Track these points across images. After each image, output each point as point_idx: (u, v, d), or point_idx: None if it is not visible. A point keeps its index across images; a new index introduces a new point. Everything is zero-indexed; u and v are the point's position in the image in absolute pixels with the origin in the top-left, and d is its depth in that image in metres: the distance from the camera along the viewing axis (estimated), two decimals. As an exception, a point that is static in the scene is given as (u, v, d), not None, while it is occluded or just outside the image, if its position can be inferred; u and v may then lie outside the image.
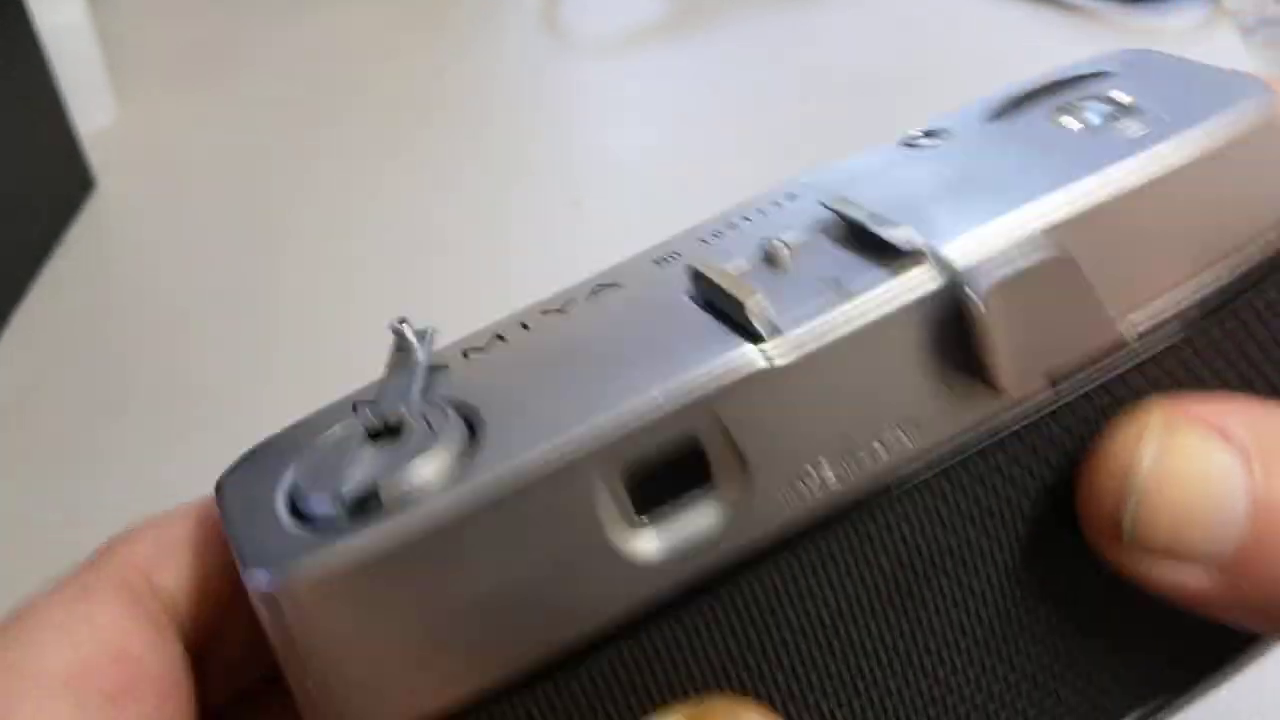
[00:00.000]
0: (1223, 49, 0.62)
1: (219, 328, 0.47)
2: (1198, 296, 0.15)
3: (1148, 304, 0.15)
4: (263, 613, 0.13)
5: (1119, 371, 0.15)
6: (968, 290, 0.13)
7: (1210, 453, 0.14)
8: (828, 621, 0.14)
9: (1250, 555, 0.14)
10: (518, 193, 0.53)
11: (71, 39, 0.55)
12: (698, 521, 0.13)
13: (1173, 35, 0.63)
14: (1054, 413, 0.14)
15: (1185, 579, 0.14)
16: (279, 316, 0.46)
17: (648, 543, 0.13)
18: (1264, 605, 0.14)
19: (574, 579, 0.13)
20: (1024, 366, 0.14)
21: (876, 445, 0.14)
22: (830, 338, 0.13)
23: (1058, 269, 0.14)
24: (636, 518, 0.13)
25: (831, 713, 0.14)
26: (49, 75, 0.50)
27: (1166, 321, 0.15)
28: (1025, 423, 0.14)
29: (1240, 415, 0.14)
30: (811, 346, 0.13)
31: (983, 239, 0.14)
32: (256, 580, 0.13)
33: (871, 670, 0.14)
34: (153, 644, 0.15)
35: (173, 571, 0.16)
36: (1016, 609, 0.15)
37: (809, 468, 0.14)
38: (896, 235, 0.14)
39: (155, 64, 0.65)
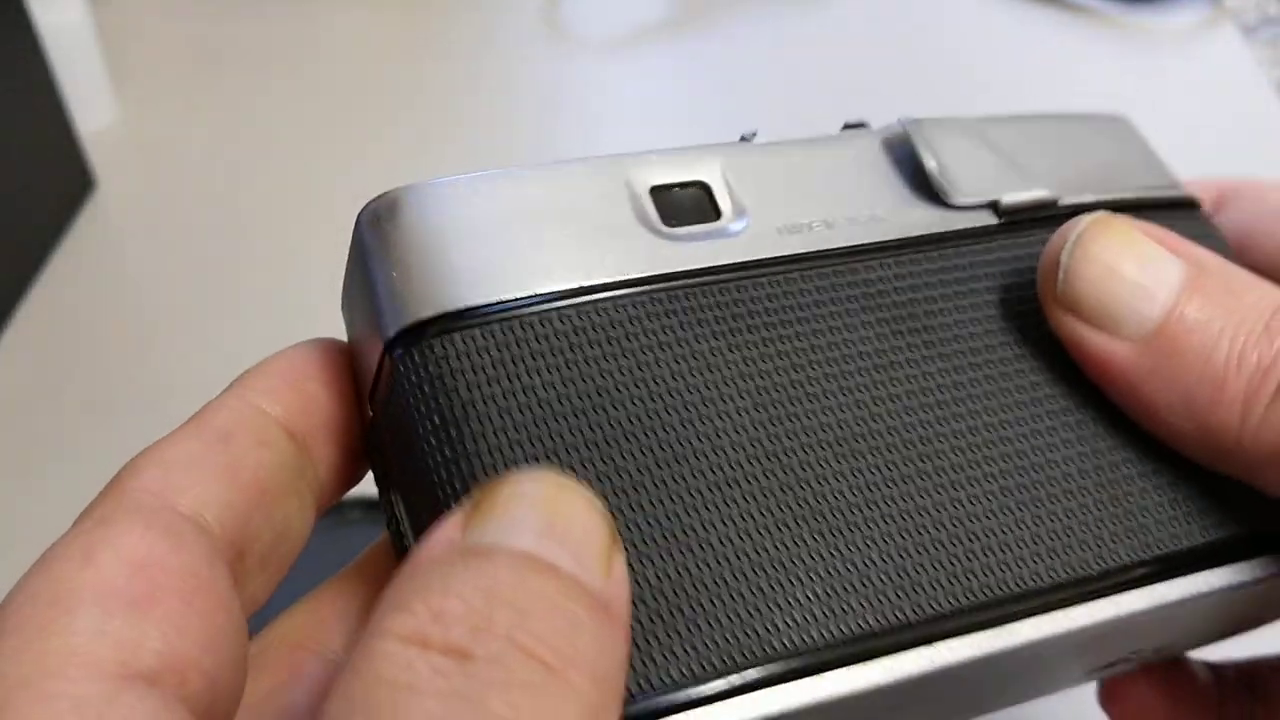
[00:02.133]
0: (1223, 49, 0.62)
1: (219, 328, 0.46)
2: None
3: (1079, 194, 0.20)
4: None
5: (1049, 214, 0.20)
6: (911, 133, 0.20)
7: (1136, 238, 0.17)
8: (803, 337, 0.17)
9: (1167, 335, 0.17)
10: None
11: (71, 39, 0.55)
12: (705, 234, 0.18)
13: (1173, 35, 0.63)
14: (998, 229, 0.20)
15: (1110, 348, 0.17)
16: (279, 316, 0.46)
17: (667, 229, 0.18)
18: (1180, 386, 0.16)
19: (610, 242, 0.17)
20: (969, 192, 0.20)
21: (849, 222, 0.19)
22: (816, 147, 0.20)
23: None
24: (661, 222, 0.18)
25: (797, 410, 0.17)
26: (49, 75, 0.50)
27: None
28: (974, 226, 0.20)
29: (1168, 232, 0.18)
30: (799, 151, 0.20)
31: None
32: None
33: (852, 379, 0.17)
34: (172, 550, 0.15)
35: (188, 489, 0.16)
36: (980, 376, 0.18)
37: (797, 223, 0.18)
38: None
39: (155, 64, 0.65)
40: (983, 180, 0.20)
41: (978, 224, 0.20)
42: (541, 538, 0.13)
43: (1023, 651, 0.16)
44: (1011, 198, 0.20)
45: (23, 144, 0.49)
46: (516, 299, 0.16)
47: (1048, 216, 0.20)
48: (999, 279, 0.19)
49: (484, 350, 0.16)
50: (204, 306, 0.48)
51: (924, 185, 0.20)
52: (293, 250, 0.50)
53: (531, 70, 0.64)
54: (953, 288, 0.19)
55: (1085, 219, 0.18)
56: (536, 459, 0.15)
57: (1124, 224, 0.18)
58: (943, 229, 0.19)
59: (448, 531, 0.14)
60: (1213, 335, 0.17)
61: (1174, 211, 0.21)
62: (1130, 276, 0.17)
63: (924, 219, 0.19)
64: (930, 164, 0.20)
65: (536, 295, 0.16)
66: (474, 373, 0.16)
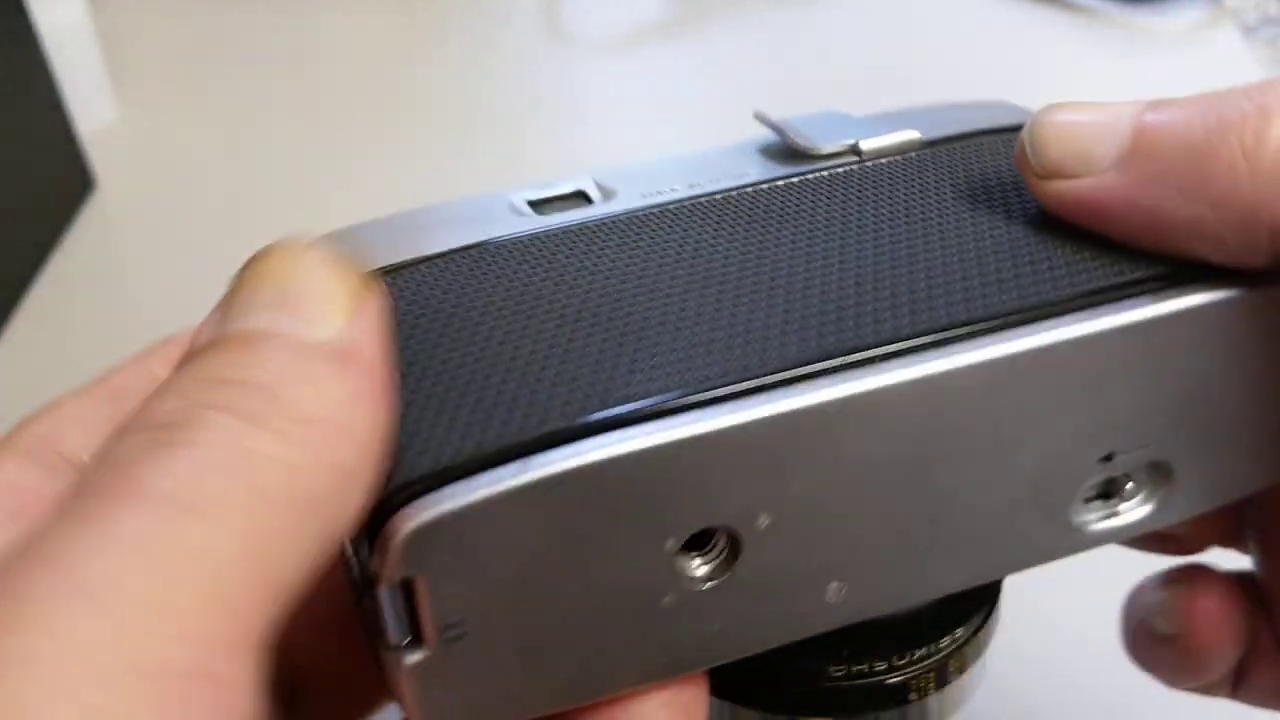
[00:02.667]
0: (1223, 49, 0.62)
1: (219, 328, 0.46)
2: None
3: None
4: None
5: (904, 155, 0.21)
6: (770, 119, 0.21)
7: (1085, 102, 0.18)
8: (657, 236, 0.19)
9: (1143, 139, 0.17)
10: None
11: (71, 39, 0.55)
12: (573, 209, 0.20)
13: (1173, 35, 0.63)
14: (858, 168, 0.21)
15: (1098, 184, 0.17)
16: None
17: (539, 214, 0.20)
18: (1175, 174, 0.17)
19: (486, 225, 0.19)
20: (828, 142, 0.21)
21: (713, 182, 0.20)
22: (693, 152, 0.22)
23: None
24: (533, 211, 0.20)
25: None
26: (49, 75, 0.50)
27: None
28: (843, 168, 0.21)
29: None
30: (675, 156, 0.22)
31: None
32: None
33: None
34: (44, 478, 0.15)
35: (73, 435, 0.16)
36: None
37: (661, 189, 0.20)
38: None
39: (155, 64, 0.65)
40: (843, 134, 0.21)
41: (841, 166, 0.21)
42: (268, 309, 0.14)
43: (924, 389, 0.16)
44: (872, 142, 0.21)
45: (23, 144, 0.49)
46: (408, 259, 0.18)
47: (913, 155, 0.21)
48: (862, 187, 0.20)
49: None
50: (203, 306, 0.48)
51: (789, 154, 0.21)
52: (293, 250, 0.50)
53: (531, 70, 0.64)
54: (812, 191, 0.20)
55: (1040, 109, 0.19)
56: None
57: (1073, 102, 0.18)
58: (806, 170, 0.20)
59: (206, 325, 0.14)
60: (1183, 124, 0.17)
61: None
62: (1090, 118, 0.18)
63: (789, 171, 0.20)
64: (789, 127, 0.21)
65: (423, 256, 0.18)
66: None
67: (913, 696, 0.20)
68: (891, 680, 0.19)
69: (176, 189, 0.55)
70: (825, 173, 0.20)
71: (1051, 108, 0.18)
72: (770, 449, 0.15)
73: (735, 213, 0.19)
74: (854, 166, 0.20)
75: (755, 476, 0.15)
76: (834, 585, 0.17)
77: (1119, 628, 0.24)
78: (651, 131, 0.57)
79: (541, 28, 0.68)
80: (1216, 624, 0.22)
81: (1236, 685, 0.23)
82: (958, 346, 0.16)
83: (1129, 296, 0.17)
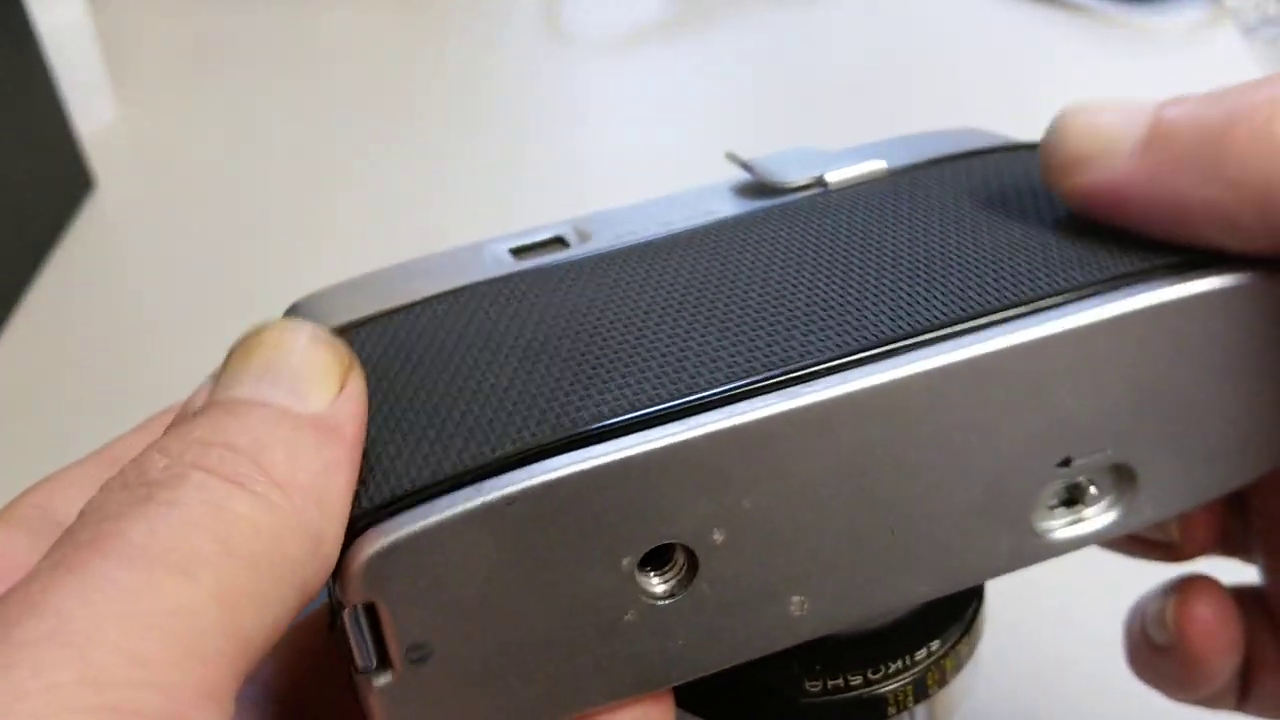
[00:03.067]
0: (1223, 49, 0.62)
1: (218, 327, 0.46)
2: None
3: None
4: None
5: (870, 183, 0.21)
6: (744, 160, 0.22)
7: (1107, 101, 0.19)
8: (636, 264, 0.19)
9: (1162, 125, 0.18)
10: (519, 193, 0.53)
11: (71, 39, 0.55)
12: (550, 254, 0.20)
13: (1173, 35, 0.63)
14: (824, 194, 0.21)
15: (1117, 171, 0.18)
16: (278, 316, 0.45)
17: (517, 260, 0.20)
18: (1194, 155, 0.17)
19: (464, 272, 0.20)
20: (795, 177, 0.21)
21: (684, 220, 0.20)
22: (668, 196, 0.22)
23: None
24: (513, 258, 0.20)
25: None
26: (49, 75, 0.50)
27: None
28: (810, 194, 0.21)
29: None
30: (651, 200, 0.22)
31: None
32: None
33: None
34: (30, 546, 0.15)
35: (68, 502, 0.16)
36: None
37: (634, 230, 0.20)
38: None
39: (155, 64, 0.65)
40: (809, 168, 0.21)
41: (806, 196, 0.21)
42: (257, 381, 0.14)
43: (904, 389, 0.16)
44: (838, 174, 0.21)
45: (22, 144, 0.49)
46: (385, 309, 0.19)
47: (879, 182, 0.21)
48: (824, 213, 0.20)
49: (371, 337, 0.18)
50: (203, 306, 0.48)
51: (759, 190, 0.21)
52: (292, 249, 0.50)
53: (531, 70, 0.64)
54: (775, 219, 0.20)
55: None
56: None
57: (1093, 99, 0.19)
58: (773, 203, 0.21)
59: (198, 394, 0.15)
60: (1201, 108, 0.18)
61: (1023, 153, 0.22)
62: (1109, 113, 0.18)
63: (757, 205, 0.21)
64: (757, 165, 0.21)
65: (399, 305, 0.19)
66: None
67: (891, 711, 0.20)
68: (868, 695, 0.20)
69: (176, 189, 0.55)
70: (789, 203, 0.21)
71: (1073, 105, 0.19)
72: (717, 465, 0.15)
73: (700, 245, 0.19)
74: (818, 196, 0.21)
75: (704, 492, 0.16)
76: (796, 599, 0.17)
77: (1122, 640, 0.24)
78: (651, 131, 0.57)
79: (541, 28, 0.68)
80: (1210, 631, 0.22)
81: (1242, 697, 0.23)
82: (897, 358, 0.16)
83: (1074, 300, 0.17)
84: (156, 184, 0.56)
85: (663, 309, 0.17)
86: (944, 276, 0.18)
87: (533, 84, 0.63)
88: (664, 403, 0.15)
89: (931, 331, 0.17)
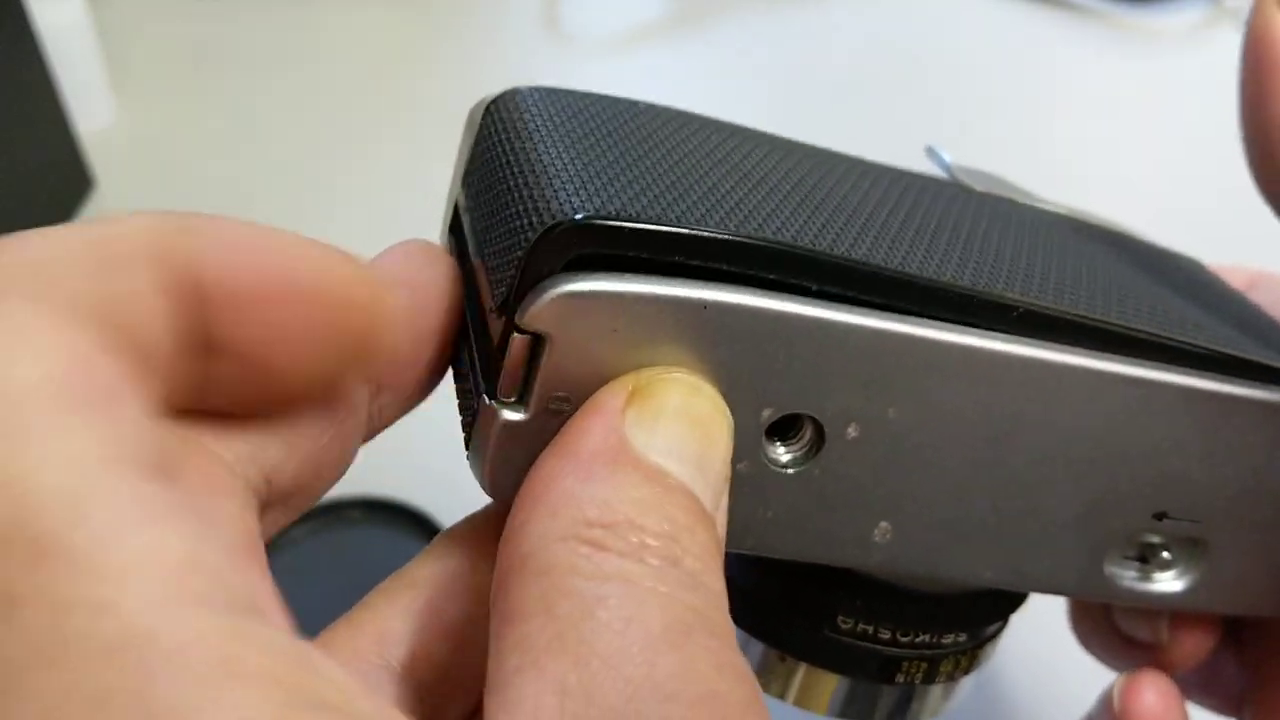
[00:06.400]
0: (1223, 49, 0.62)
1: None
2: None
3: None
4: None
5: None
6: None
7: None
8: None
9: None
10: (518, 193, 0.53)
11: (71, 39, 0.55)
12: None
13: (1173, 35, 0.63)
14: None
15: None
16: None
17: None
18: None
19: None
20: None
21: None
22: None
23: None
24: None
25: None
26: (49, 75, 0.50)
27: None
28: None
29: None
30: None
31: None
32: None
33: None
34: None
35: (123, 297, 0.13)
36: None
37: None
38: None
39: (155, 64, 0.65)
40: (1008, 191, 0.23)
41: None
42: (695, 470, 0.15)
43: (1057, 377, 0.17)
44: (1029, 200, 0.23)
45: (22, 144, 0.49)
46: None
47: None
48: (1041, 220, 0.22)
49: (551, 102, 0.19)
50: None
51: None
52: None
53: (531, 70, 0.64)
54: (995, 201, 0.22)
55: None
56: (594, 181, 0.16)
57: None
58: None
59: (609, 419, 0.15)
60: None
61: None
62: None
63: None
64: (955, 168, 0.23)
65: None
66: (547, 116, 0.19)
67: (900, 679, 0.20)
68: (888, 653, 0.20)
69: (176, 189, 0.55)
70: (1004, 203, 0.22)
71: None
72: (891, 366, 0.16)
73: (924, 187, 0.20)
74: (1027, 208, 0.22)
75: (865, 386, 0.16)
76: (883, 525, 0.17)
77: None
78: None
79: (541, 27, 0.68)
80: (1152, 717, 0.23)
81: None
82: (1107, 351, 0.17)
83: (1266, 380, 0.18)
84: (156, 184, 0.56)
85: (906, 213, 0.18)
86: (1171, 301, 0.19)
87: (532, 83, 0.63)
88: (896, 273, 0.16)
89: (1150, 339, 0.17)
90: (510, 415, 0.15)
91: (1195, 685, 0.25)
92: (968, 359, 0.16)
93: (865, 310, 0.16)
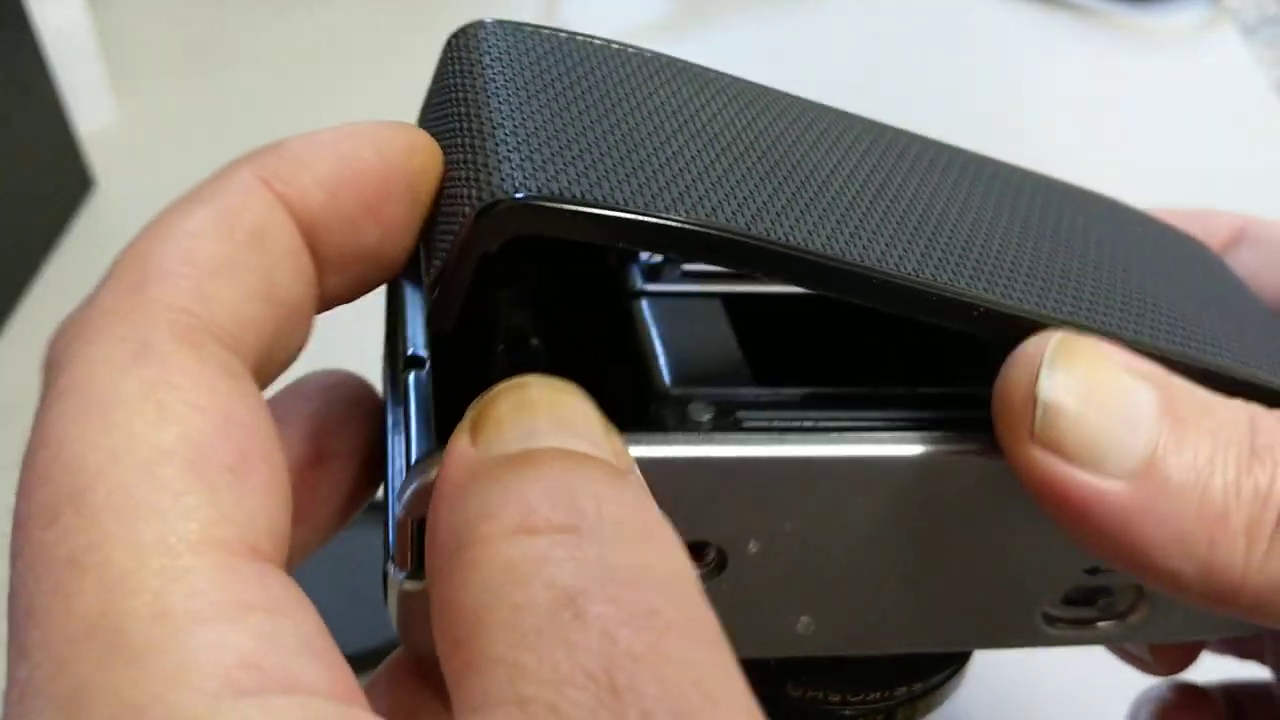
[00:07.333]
0: (1223, 49, 0.62)
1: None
2: None
3: None
4: None
5: None
6: None
7: (1104, 363, 0.16)
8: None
9: (1157, 468, 0.15)
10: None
11: (71, 39, 0.54)
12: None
13: (1173, 35, 0.63)
14: None
15: (1099, 487, 0.15)
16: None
17: None
18: (1175, 524, 0.15)
19: None
20: None
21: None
22: None
23: None
24: None
25: None
26: (49, 75, 0.50)
27: None
28: None
29: (1118, 348, 0.16)
30: None
31: None
32: None
33: None
34: (243, 400, 0.13)
35: (224, 310, 0.15)
36: None
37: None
38: None
39: (155, 64, 0.65)
40: None
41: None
42: (561, 433, 0.13)
43: None
44: None
45: (22, 144, 0.49)
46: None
47: None
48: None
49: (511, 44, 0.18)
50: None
51: None
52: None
53: (531, 70, 0.64)
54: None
55: (1049, 342, 0.16)
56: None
57: (1090, 347, 0.16)
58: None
59: (461, 452, 0.13)
60: (1204, 464, 0.15)
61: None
62: (1110, 407, 0.15)
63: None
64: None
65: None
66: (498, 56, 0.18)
67: None
68: (840, 713, 0.20)
69: (176, 189, 0.55)
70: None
71: (1072, 363, 0.16)
72: (776, 485, 0.16)
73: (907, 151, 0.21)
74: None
75: (757, 507, 0.16)
76: (805, 619, 0.17)
77: None
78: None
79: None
80: None
81: None
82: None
83: None
84: (156, 184, 0.56)
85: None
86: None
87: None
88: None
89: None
90: (409, 585, 0.15)
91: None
92: (854, 469, 0.16)
93: (744, 438, 0.16)
